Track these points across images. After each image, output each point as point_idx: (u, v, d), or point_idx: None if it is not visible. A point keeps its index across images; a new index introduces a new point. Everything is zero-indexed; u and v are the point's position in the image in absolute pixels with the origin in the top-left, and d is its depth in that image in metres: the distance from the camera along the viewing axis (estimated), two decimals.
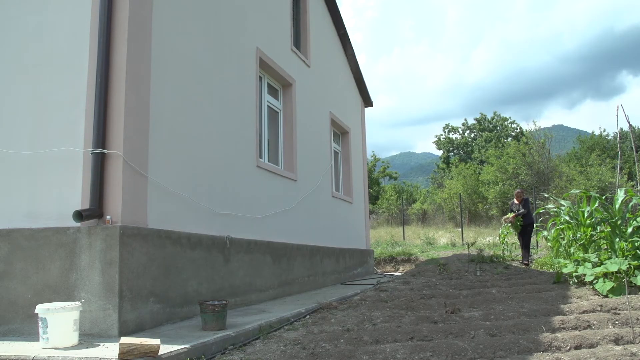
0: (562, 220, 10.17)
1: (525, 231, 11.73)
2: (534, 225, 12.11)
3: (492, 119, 54.53)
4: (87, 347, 4.31)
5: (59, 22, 5.53)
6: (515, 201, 11.88)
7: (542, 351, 4.08)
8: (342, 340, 4.63)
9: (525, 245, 11.81)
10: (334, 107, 12.62)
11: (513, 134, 50.80)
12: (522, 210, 11.50)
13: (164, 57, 5.91)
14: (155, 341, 3.98)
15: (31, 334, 4.79)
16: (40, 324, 4.35)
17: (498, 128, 53.17)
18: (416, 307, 6.27)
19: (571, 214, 9.70)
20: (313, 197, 10.51)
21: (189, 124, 6.37)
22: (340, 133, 13.67)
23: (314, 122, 11.09)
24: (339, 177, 13.40)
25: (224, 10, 7.49)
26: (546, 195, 18.38)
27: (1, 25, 5.75)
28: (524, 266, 11.08)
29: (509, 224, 11.82)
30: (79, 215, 4.83)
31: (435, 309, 6.14)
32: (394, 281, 9.32)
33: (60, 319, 4.32)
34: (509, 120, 53.35)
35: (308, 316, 6.33)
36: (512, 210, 11.95)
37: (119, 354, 3.82)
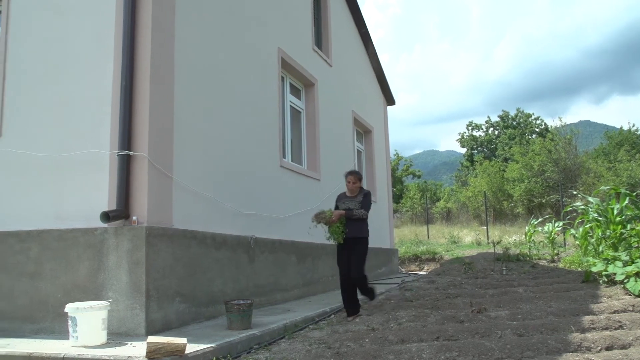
0: (590, 218, 9.96)
1: (353, 249, 5.90)
2: (368, 240, 6.04)
3: (516, 115, 53.73)
4: (115, 346, 4.38)
5: (84, 26, 5.63)
6: (347, 193, 6.20)
7: (572, 352, 4.00)
8: (367, 340, 4.61)
9: (357, 275, 5.87)
10: (357, 105, 12.59)
11: (537, 130, 49.96)
12: (361, 211, 5.91)
13: (186, 60, 5.96)
14: (182, 340, 4.02)
15: (61, 333, 4.89)
16: (70, 322, 4.43)
17: (522, 125, 52.35)
18: (441, 307, 6.21)
19: (600, 211, 9.49)
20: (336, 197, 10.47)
21: (212, 125, 6.42)
22: (362, 132, 13.62)
23: (336, 121, 11.08)
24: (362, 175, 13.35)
25: (245, 12, 7.53)
26: (574, 193, 18.01)
27: (27, 28, 5.88)
28: (350, 318, 5.86)
29: (326, 224, 5.97)
30: (106, 216, 4.91)
31: (461, 308, 6.08)
32: (419, 280, 9.26)
33: (89, 317, 4.40)
34: (533, 117, 52.49)
35: (333, 315, 6.32)
36: (337, 207, 6.17)
37: (147, 352, 3.87)
